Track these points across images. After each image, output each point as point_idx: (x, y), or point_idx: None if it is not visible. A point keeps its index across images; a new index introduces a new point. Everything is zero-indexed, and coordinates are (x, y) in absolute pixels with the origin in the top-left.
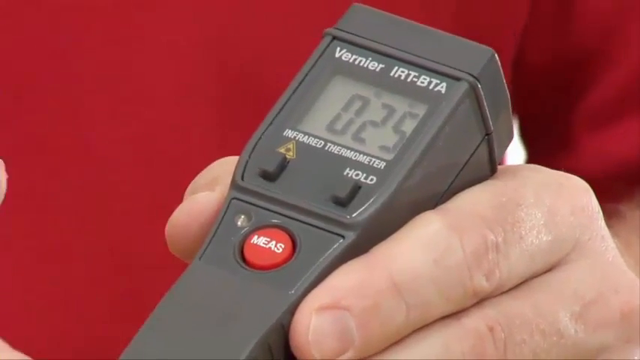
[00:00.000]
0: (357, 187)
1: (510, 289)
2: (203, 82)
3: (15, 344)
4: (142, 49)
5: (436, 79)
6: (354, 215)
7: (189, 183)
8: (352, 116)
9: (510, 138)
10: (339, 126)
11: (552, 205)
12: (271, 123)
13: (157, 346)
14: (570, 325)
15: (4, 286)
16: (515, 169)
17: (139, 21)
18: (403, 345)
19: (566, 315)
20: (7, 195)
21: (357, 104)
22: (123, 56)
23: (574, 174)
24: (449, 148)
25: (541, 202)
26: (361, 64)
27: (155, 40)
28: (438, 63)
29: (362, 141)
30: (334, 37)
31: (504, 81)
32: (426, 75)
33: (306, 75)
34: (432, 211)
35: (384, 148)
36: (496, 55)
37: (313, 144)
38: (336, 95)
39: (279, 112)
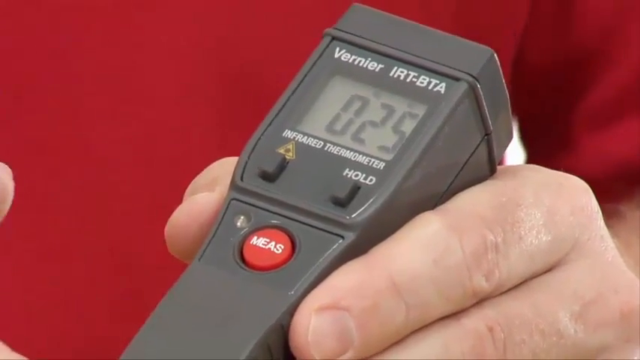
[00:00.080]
0: (356, 188)
1: (510, 290)
2: (203, 82)
3: (15, 344)
4: (142, 50)
5: (435, 79)
6: (353, 216)
7: (189, 183)
8: (351, 116)
9: (510, 138)
10: (338, 126)
11: (552, 205)
12: (270, 123)
13: (156, 347)
14: (570, 325)
15: (4, 286)
16: (514, 169)
17: (139, 21)
18: (403, 345)
19: (565, 315)
20: None
21: (357, 104)
22: (123, 56)
23: (574, 174)
24: (448, 149)
25: (540, 202)
26: (360, 64)
27: (155, 40)
28: (437, 63)
29: (361, 141)
30: (333, 38)
31: (504, 81)
32: (426, 75)
33: (306, 75)
34: (432, 211)
35: (383, 148)
36: (495, 55)
37: (312, 144)
38: (336, 95)
39: (278, 113)
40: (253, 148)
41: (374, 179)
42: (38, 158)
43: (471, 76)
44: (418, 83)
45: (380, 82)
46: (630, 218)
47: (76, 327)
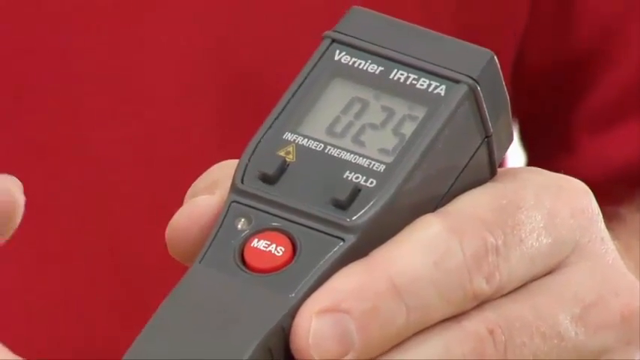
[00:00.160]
0: (356, 190)
1: (510, 292)
2: (203, 82)
3: (15, 344)
4: (142, 50)
5: (435, 81)
6: (354, 218)
7: (190, 184)
8: (352, 119)
9: (510, 140)
10: (338, 129)
11: (552, 208)
12: (271, 126)
13: (157, 350)
14: (570, 327)
15: (5, 286)
16: (515, 171)
17: (140, 22)
18: (404, 347)
19: (566, 317)
20: None
21: (357, 107)
22: (123, 57)
23: (574, 176)
24: (448, 151)
25: (541, 204)
26: (360, 66)
27: (156, 40)
28: (437, 65)
29: (361, 144)
30: (333, 40)
31: (504, 83)
32: (426, 77)
33: (306, 78)
34: (432, 213)
35: (383, 150)
36: (495, 57)
37: (313, 147)
38: (336, 98)
39: (278, 115)
40: (254, 151)
41: (374, 182)
42: (38, 158)
43: (471, 78)
44: (418, 85)
45: (380, 84)
46: (630, 221)
47: (76, 327)
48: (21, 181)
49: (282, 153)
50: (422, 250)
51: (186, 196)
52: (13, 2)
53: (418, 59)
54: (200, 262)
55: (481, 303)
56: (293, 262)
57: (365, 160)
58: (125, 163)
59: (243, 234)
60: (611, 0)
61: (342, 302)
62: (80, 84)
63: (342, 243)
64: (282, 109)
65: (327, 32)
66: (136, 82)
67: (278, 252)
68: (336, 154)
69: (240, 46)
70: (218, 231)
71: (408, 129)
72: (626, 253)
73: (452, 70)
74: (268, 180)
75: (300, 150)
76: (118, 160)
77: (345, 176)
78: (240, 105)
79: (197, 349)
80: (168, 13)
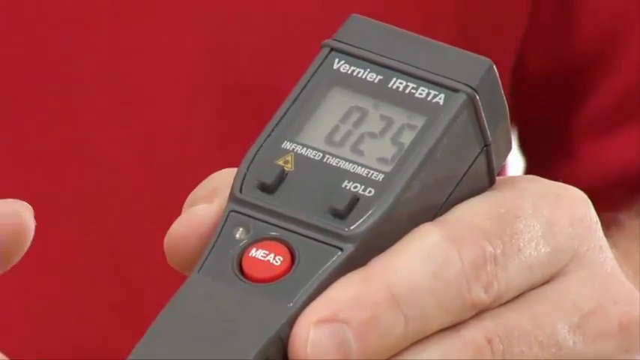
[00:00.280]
0: (355, 199)
1: (509, 301)
2: (203, 86)
3: (15, 345)
4: (143, 52)
5: (434, 90)
6: (352, 227)
7: (190, 186)
8: (350, 128)
9: (509, 149)
10: (337, 138)
11: (550, 217)
12: (269, 135)
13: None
14: (569, 336)
15: (5, 287)
16: (513, 180)
17: (141, 24)
18: (402, 357)
19: (564, 326)
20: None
21: (356, 116)
22: (124, 60)
23: (574, 182)
24: (447, 160)
25: (539, 213)
26: (359, 75)
27: (156, 43)
28: (436, 74)
29: (360, 153)
30: (332, 49)
31: (502, 92)
32: (425, 86)
33: (304, 86)
34: (431, 223)
35: (382, 159)
36: (494, 66)
37: (311, 156)
38: (335, 107)
39: (277, 124)
40: (252, 160)
41: (373, 191)
42: (39, 159)
43: (470, 87)
44: (417, 94)
45: (379, 93)
46: (630, 227)
47: (76, 327)
48: (21, 183)
49: (280, 162)
50: (420, 259)
51: (185, 205)
52: (14, 5)
53: (417, 68)
54: (198, 272)
55: (479, 312)
56: (291, 271)
57: (363, 169)
58: (125, 165)
59: (241, 243)
60: (611, 5)
61: (341, 312)
62: (81, 85)
63: (340, 252)
64: (281, 118)
65: (325, 41)
66: (137, 84)
67: (276, 261)
68: (334, 163)
69: (241, 48)
70: (216, 240)
71: (407, 138)
72: (624, 260)
73: (451, 79)
74: (267, 189)
75: (299, 159)
76: (118, 161)
77: (343, 185)
78: (240, 107)
79: (195, 359)
80: (169, 15)
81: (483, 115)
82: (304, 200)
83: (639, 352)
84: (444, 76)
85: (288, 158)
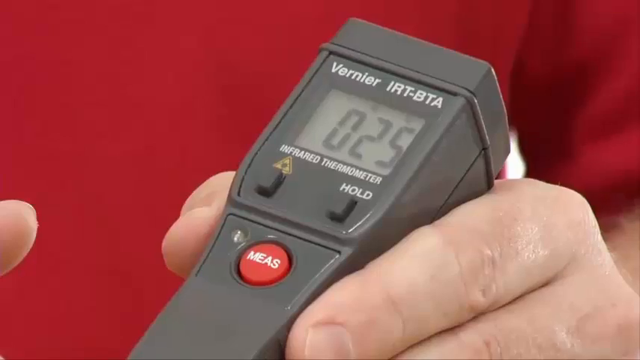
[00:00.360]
0: (353, 203)
1: (507, 304)
2: (203, 94)
3: (16, 346)
4: (143, 56)
5: (433, 93)
6: (350, 231)
7: (189, 192)
8: (349, 131)
9: (507, 152)
10: (335, 141)
11: (549, 220)
12: (267, 138)
13: None
14: (567, 339)
15: (5, 290)
16: (511, 183)
17: (141, 28)
18: None
19: (562, 329)
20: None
21: (354, 119)
22: (123, 68)
23: (573, 185)
24: (445, 163)
25: (537, 216)
26: (358, 78)
27: (157, 47)
28: (434, 78)
29: (358, 156)
30: (330, 52)
31: (501, 95)
32: (423, 90)
33: (303, 90)
34: (429, 226)
35: (380, 163)
36: (492, 69)
37: (309, 159)
38: (333, 110)
39: (275, 128)
40: (250, 163)
41: (371, 194)
42: (38, 166)
43: (468, 90)
44: (415, 98)
45: (377, 96)
46: (629, 230)
47: (76, 328)
48: (20, 191)
49: (278, 165)
50: (418, 262)
51: (184, 208)
52: (14, 12)
53: (415, 71)
54: (196, 275)
55: (477, 315)
56: (289, 274)
57: (362, 172)
58: (125, 171)
59: (239, 246)
60: (611, 9)
61: (338, 315)
62: (81, 87)
63: (338, 256)
64: (279, 122)
65: (324, 44)
66: (137, 86)
67: (274, 265)
68: (332, 167)
69: (241, 51)
70: (214, 243)
71: (405, 141)
72: (623, 263)
73: (449, 83)
74: (265, 192)
75: (297, 162)
76: (118, 163)
77: (341, 189)
78: (240, 114)
79: None
80: (170, 18)
81: (482, 118)
82: (302, 203)
83: (638, 354)
84: (443, 80)
85: (286, 161)
